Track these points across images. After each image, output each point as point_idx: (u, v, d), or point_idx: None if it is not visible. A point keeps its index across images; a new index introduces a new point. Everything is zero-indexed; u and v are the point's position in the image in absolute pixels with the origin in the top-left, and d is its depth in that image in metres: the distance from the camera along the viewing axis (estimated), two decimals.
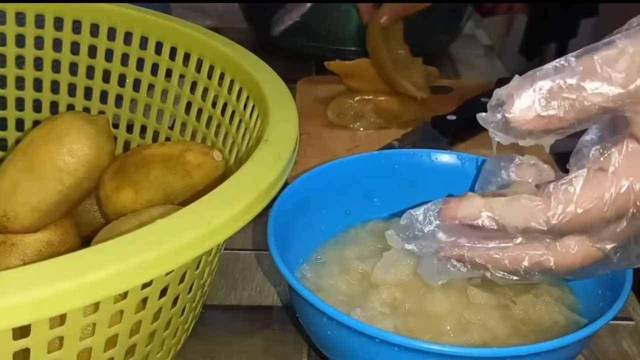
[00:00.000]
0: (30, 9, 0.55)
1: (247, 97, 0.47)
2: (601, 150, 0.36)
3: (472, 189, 0.51)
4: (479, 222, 0.37)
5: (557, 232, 0.37)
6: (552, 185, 0.36)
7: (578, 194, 0.36)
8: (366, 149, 0.67)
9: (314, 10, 0.91)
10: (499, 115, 0.35)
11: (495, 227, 0.37)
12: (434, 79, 0.75)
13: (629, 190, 0.35)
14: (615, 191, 0.35)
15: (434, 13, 0.93)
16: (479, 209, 0.37)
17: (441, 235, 0.39)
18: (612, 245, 0.37)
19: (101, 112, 0.57)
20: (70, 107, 0.58)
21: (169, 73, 0.54)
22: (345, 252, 0.48)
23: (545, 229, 0.36)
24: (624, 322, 0.50)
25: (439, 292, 0.42)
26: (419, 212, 0.40)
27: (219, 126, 0.50)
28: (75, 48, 0.56)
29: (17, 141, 0.57)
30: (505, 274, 0.39)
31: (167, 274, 0.34)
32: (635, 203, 0.35)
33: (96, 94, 0.57)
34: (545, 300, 0.43)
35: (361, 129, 0.71)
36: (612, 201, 0.35)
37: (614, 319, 0.38)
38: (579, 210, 0.36)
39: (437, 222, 0.39)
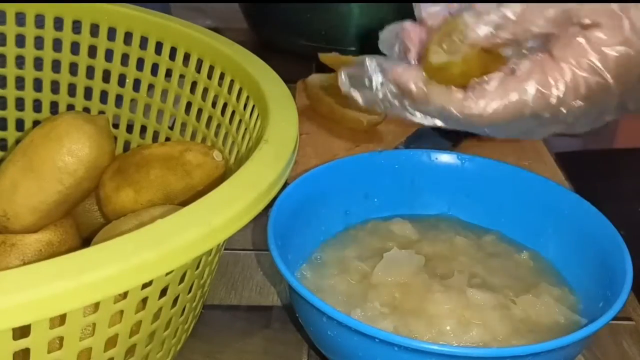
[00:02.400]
0: (30, 9, 0.55)
1: (247, 97, 0.47)
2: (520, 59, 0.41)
3: (471, 190, 0.52)
4: (413, 90, 0.42)
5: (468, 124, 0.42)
6: (474, 82, 0.41)
7: (490, 92, 0.40)
8: (366, 149, 0.67)
9: (314, 10, 0.91)
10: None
11: (423, 99, 0.42)
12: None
13: (530, 92, 0.39)
14: (519, 94, 0.39)
15: None
16: (416, 82, 0.42)
17: (385, 89, 0.44)
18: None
19: (101, 112, 0.57)
20: (70, 107, 0.58)
21: (169, 73, 0.54)
22: (345, 252, 0.48)
23: (460, 117, 0.41)
24: (624, 322, 0.50)
25: (439, 292, 0.42)
26: (372, 63, 0.44)
27: (219, 126, 0.50)
28: (75, 48, 0.56)
29: (17, 141, 0.57)
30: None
31: (167, 274, 0.34)
32: (529, 105, 0.40)
33: (96, 94, 0.57)
34: (545, 300, 0.43)
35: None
36: (515, 102, 0.40)
37: (614, 319, 0.38)
38: (489, 108, 0.40)
39: (384, 79, 0.43)
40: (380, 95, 0.43)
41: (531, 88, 0.39)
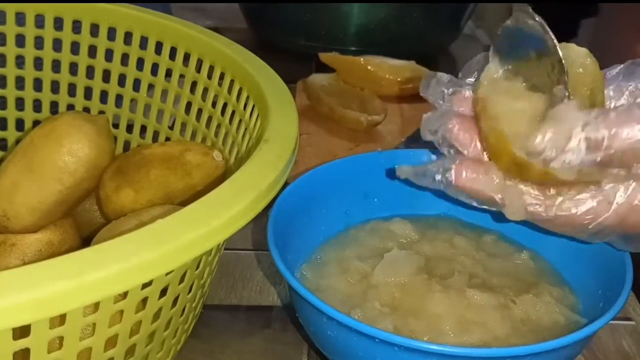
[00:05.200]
0: (30, 9, 0.55)
1: (247, 97, 0.47)
2: None
3: None
4: (495, 200, 0.38)
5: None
6: (561, 199, 0.37)
7: (578, 214, 0.37)
8: (366, 149, 0.67)
9: (314, 10, 0.91)
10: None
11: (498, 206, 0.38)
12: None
13: None
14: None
15: (434, 13, 0.93)
16: (492, 191, 0.38)
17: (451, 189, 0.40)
18: None
19: (101, 112, 0.57)
20: (70, 107, 0.58)
21: (169, 73, 0.54)
22: (345, 252, 0.48)
23: (532, 220, 0.38)
24: (624, 322, 0.50)
25: (439, 292, 0.42)
26: (432, 167, 0.40)
27: (219, 126, 0.50)
28: (75, 48, 0.56)
29: (17, 141, 0.57)
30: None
31: (167, 274, 0.34)
32: None
33: (96, 94, 0.57)
34: (545, 300, 0.43)
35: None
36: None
37: (614, 319, 0.38)
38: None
39: (449, 180, 0.39)
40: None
41: None
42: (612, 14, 1.00)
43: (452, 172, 0.38)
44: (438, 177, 0.39)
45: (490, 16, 1.21)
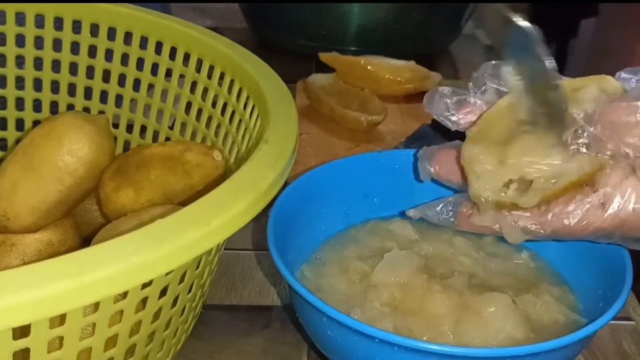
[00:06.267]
0: (30, 9, 0.55)
1: (247, 97, 0.47)
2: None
3: None
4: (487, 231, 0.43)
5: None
6: (551, 214, 0.40)
7: (572, 224, 0.40)
8: (366, 149, 0.67)
9: (314, 10, 0.91)
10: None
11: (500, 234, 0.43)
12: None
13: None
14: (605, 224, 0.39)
15: (434, 13, 0.93)
16: (491, 223, 0.43)
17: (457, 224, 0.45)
18: None
19: (101, 112, 0.57)
20: (70, 107, 0.58)
21: (169, 73, 0.54)
22: (345, 251, 0.48)
23: (534, 238, 0.42)
24: (624, 322, 0.50)
25: (439, 292, 0.42)
26: (435, 210, 0.45)
27: (219, 126, 0.50)
28: (75, 48, 0.56)
29: (17, 141, 0.57)
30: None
31: (167, 274, 0.34)
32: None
33: (96, 94, 0.57)
34: (545, 300, 0.43)
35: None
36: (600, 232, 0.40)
37: (614, 319, 0.38)
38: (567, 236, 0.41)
39: (453, 220, 0.45)
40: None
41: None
42: (612, 14, 1.00)
43: (456, 217, 0.44)
44: (443, 216, 0.45)
45: (491, 16, 1.21)
